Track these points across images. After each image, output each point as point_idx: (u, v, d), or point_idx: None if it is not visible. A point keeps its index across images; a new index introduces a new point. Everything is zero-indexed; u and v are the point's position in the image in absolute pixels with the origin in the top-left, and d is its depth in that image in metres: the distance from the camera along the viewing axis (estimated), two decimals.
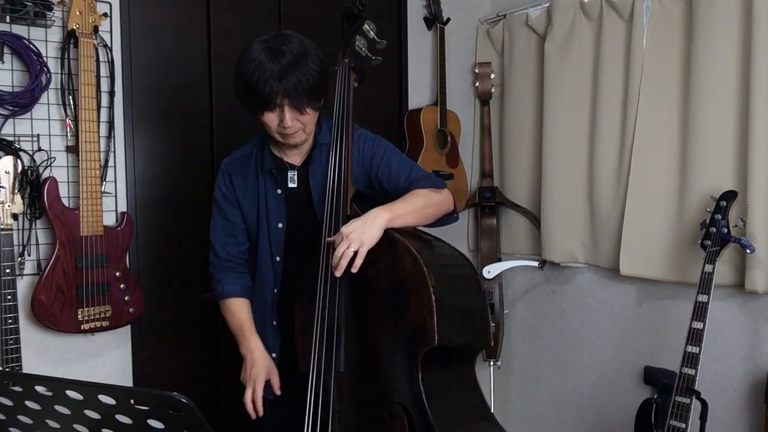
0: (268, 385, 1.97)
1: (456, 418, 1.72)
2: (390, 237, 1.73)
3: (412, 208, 1.80)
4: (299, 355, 1.87)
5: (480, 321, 1.79)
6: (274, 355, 1.97)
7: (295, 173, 1.92)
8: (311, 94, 1.74)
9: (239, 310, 1.97)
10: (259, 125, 1.85)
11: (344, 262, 1.66)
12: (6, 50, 2.22)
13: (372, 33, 1.92)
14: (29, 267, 2.27)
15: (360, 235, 1.67)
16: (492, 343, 1.81)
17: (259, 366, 1.90)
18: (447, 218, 1.92)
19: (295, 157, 1.94)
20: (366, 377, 1.75)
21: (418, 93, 3.25)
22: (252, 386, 1.88)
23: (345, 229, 1.69)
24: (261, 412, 1.88)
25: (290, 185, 1.93)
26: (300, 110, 1.75)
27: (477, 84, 3.30)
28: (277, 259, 1.94)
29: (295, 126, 1.77)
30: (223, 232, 1.99)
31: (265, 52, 1.71)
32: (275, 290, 1.95)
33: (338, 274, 1.67)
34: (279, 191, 1.92)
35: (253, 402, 1.88)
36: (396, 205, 1.78)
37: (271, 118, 1.77)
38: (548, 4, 3.03)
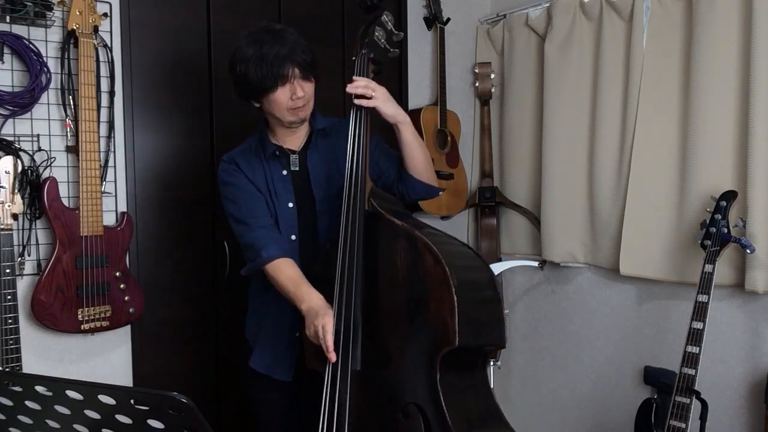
0: (277, 381, 1.99)
1: (472, 419, 1.71)
2: (410, 233, 1.72)
3: (421, 141, 1.99)
4: (306, 350, 1.86)
5: (496, 322, 1.79)
6: (297, 334, 1.95)
7: (297, 157, 2.00)
8: (312, 64, 1.89)
9: (290, 273, 1.88)
10: (261, 117, 1.95)
11: (362, 91, 1.82)
12: (6, 50, 2.22)
13: (390, 24, 1.93)
14: (29, 267, 2.27)
15: (385, 95, 1.85)
16: (506, 345, 1.81)
17: (327, 311, 1.76)
18: (431, 189, 2.04)
19: (294, 143, 2.02)
20: (379, 376, 1.74)
21: (418, 93, 3.25)
22: (321, 324, 1.71)
23: (382, 87, 1.85)
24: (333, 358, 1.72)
25: (293, 168, 2.00)
26: (307, 78, 1.88)
27: (477, 84, 3.30)
28: (293, 237, 1.98)
29: (304, 98, 1.88)
30: (248, 204, 1.96)
31: (267, 34, 1.84)
32: None
33: (349, 89, 1.83)
34: (285, 172, 1.99)
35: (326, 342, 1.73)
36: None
37: (282, 94, 1.86)
38: (548, 4, 3.03)
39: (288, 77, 1.84)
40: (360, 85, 1.83)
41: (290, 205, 1.98)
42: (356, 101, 1.83)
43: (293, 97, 1.87)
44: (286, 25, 1.92)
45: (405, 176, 1.99)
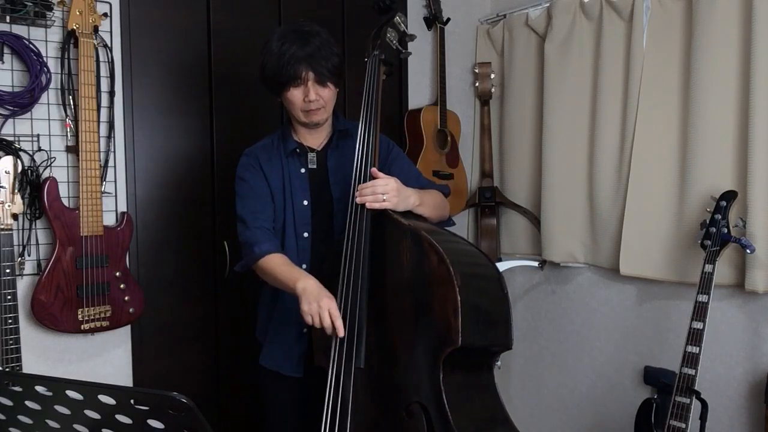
0: (287, 377, 2.00)
1: (476, 420, 1.71)
2: (416, 232, 1.72)
3: (432, 204, 1.95)
4: (315, 347, 1.87)
5: (503, 323, 1.78)
6: (305, 330, 1.98)
7: (315, 155, 2.03)
8: (332, 72, 1.90)
9: (282, 261, 1.89)
10: (278, 115, 2.03)
11: (371, 199, 1.76)
12: (6, 50, 2.22)
13: (403, 26, 1.95)
14: (29, 267, 2.27)
15: (398, 195, 1.79)
16: (512, 347, 1.80)
17: (324, 291, 1.76)
18: (444, 223, 2.04)
19: (315, 141, 2.04)
20: (384, 374, 1.74)
21: (418, 93, 3.25)
22: (327, 307, 1.71)
23: (390, 179, 1.80)
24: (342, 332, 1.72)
25: (310, 166, 2.02)
26: (323, 84, 1.90)
27: (477, 84, 3.30)
28: (305, 235, 2.00)
29: (318, 102, 1.91)
30: (252, 203, 1.99)
31: (293, 34, 1.87)
32: (303, 266, 1.98)
33: (359, 200, 1.78)
34: (302, 170, 2.02)
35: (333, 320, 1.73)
36: (423, 195, 1.90)
37: (296, 95, 1.90)
38: (548, 4, 3.03)
39: (301, 79, 1.87)
40: (366, 195, 1.78)
41: (305, 203, 2.00)
42: (368, 206, 1.77)
43: (305, 99, 1.90)
44: (320, 28, 1.93)
45: None
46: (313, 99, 1.89)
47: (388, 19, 1.93)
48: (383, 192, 1.77)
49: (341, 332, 1.69)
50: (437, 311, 1.65)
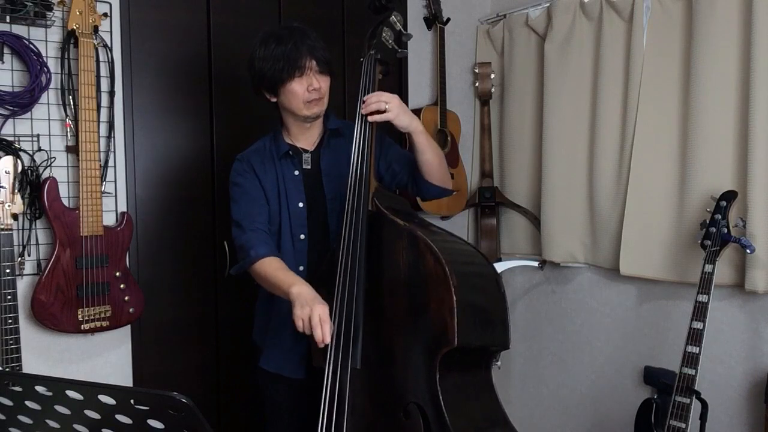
0: (288, 379, 2.00)
1: (473, 421, 1.70)
2: (412, 233, 1.73)
3: (434, 145, 1.97)
4: (312, 348, 1.87)
5: (500, 323, 1.78)
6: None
7: (309, 156, 2.03)
8: (328, 62, 1.95)
9: (278, 265, 1.87)
10: (277, 116, 2.01)
11: (375, 107, 1.82)
12: (6, 50, 2.22)
13: (399, 25, 1.95)
14: (29, 267, 2.27)
15: (400, 107, 1.85)
16: (509, 346, 1.79)
17: (319, 298, 1.73)
18: (443, 191, 2.05)
19: (308, 142, 2.04)
20: (381, 375, 1.74)
21: (418, 93, 3.25)
22: (319, 312, 1.67)
23: (395, 96, 1.85)
24: (328, 339, 1.68)
25: (305, 167, 2.02)
26: (323, 73, 1.93)
27: (477, 84, 3.30)
28: (302, 237, 2.00)
29: (320, 91, 1.93)
30: (247, 207, 1.98)
31: (287, 30, 1.91)
32: (300, 268, 1.98)
33: (364, 110, 1.84)
34: (296, 172, 2.02)
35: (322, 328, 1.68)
36: (429, 137, 1.94)
37: (298, 86, 1.90)
38: (548, 4, 3.03)
39: (305, 68, 1.89)
40: (372, 101, 1.84)
41: (300, 204, 2.00)
42: (370, 118, 1.84)
43: (309, 89, 1.91)
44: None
45: (418, 179, 2.02)
46: (316, 87, 1.91)
47: (384, 18, 1.94)
48: (387, 101, 1.82)
49: (326, 339, 1.66)
50: (433, 311, 1.65)
